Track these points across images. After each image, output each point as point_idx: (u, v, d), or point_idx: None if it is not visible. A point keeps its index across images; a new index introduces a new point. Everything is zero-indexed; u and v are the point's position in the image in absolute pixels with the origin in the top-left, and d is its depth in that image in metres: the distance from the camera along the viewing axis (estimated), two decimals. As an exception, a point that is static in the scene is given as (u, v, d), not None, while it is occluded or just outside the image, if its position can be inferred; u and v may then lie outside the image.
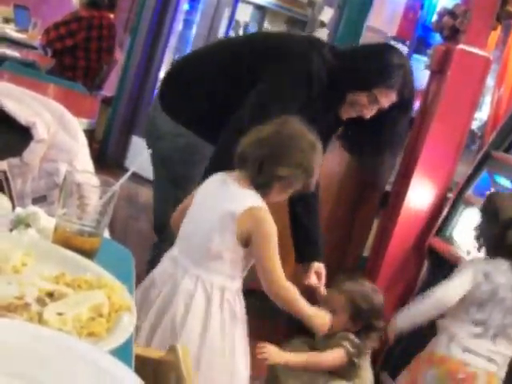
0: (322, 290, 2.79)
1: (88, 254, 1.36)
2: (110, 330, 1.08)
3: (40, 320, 1.04)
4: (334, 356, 2.69)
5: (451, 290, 2.89)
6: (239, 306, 2.36)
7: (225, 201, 2.27)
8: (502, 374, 2.84)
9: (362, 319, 2.74)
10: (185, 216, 2.39)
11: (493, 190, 3.56)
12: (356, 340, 2.71)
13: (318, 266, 2.83)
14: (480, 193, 3.61)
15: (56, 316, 1.05)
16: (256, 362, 2.49)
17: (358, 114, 2.79)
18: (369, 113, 2.77)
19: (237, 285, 2.35)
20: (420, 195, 3.83)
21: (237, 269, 2.32)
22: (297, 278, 2.83)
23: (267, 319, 2.65)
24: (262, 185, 2.27)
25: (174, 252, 2.38)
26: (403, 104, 2.83)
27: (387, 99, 2.75)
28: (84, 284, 1.19)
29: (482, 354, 2.78)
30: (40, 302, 1.11)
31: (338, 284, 2.80)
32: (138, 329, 2.23)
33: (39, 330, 0.97)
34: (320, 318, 2.40)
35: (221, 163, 2.49)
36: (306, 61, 2.74)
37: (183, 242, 2.37)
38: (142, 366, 1.23)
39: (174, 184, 2.95)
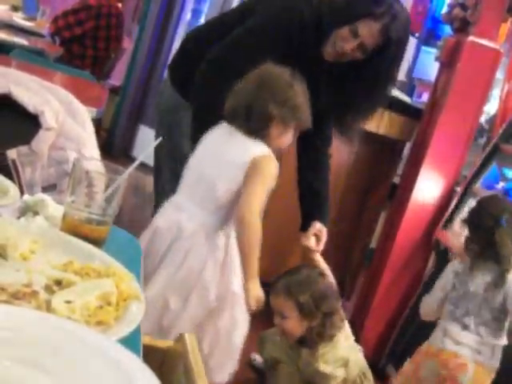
0: (317, 256, 2.78)
1: (96, 242, 1.35)
2: (118, 319, 1.07)
3: (48, 308, 1.04)
4: None
5: (428, 299, 3.09)
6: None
7: (231, 151, 2.32)
8: (495, 363, 2.90)
9: (311, 312, 2.70)
10: (188, 166, 2.43)
11: (501, 183, 3.55)
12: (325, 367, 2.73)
13: (320, 229, 2.78)
14: (488, 186, 3.60)
15: (64, 304, 1.04)
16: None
17: (340, 50, 2.65)
18: (348, 47, 2.62)
19: None
20: (428, 188, 3.82)
21: None
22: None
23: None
24: (257, 129, 2.31)
25: (177, 199, 2.41)
26: (387, 46, 2.65)
27: (369, 32, 2.60)
28: (92, 272, 1.18)
29: (471, 346, 2.88)
30: (48, 289, 1.10)
31: (276, 286, 2.77)
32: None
33: (48, 317, 0.96)
34: (257, 288, 2.31)
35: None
36: (292, 1, 2.72)
37: (187, 189, 2.40)
38: (150, 355, 1.23)
39: (174, 159, 2.93)
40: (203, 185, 2.34)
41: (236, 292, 2.38)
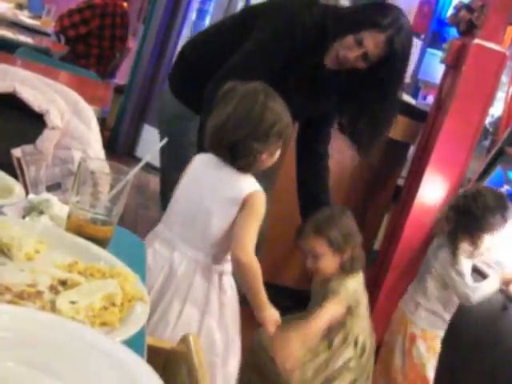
0: None
1: (101, 242, 1.35)
2: (123, 320, 1.07)
3: (53, 308, 1.03)
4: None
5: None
6: (233, 288, 2.37)
7: (224, 187, 2.27)
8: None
9: (341, 246, 2.74)
10: (174, 196, 2.37)
11: (506, 186, 3.55)
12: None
13: None
14: (493, 189, 3.59)
15: (69, 305, 1.04)
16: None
17: (343, 58, 2.67)
18: (352, 56, 2.64)
19: (231, 267, 2.35)
20: (432, 190, 3.81)
21: None
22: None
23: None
24: (245, 166, 2.27)
25: (166, 234, 2.34)
26: (391, 58, 2.68)
27: (374, 42, 2.62)
28: (97, 273, 1.18)
29: (424, 318, 3.19)
30: (53, 290, 1.10)
31: (305, 229, 2.81)
32: None
33: (52, 318, 0.96)
34: (274, 313, 2.32)
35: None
36: (292, 13, 2.70)
37: (178, 226, 2.33)
38: (153, 356, 1.23)
39: (178, 168, 2.94)
40: (195, 223, 2.29)
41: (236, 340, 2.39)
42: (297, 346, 2.48)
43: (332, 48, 2.69)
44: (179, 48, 3.20)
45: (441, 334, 3.19)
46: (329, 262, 2.75)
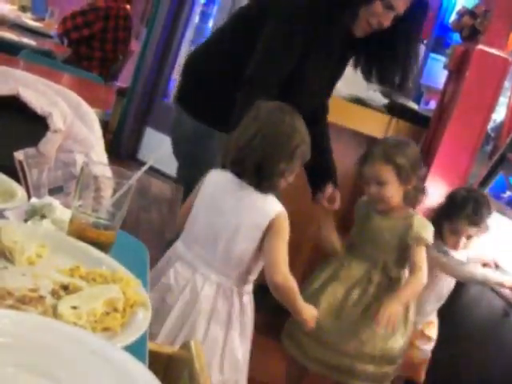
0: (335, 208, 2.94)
1: (103, 247, 1.35)
2: (125, 326, 1.07)
3: (54, 313, 1.03)
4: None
5: None
6: (252, 308, 2.39)
7: (248, 211, 2.26)
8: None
9: (408, 175, 2.77)
10: (191, 215, 2.36)
11: (508, 192, 3.54)
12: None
13: (332, 191, 2.93)
14: (495, 195, 3.59)
15: (70, 310, 1.04)
16: (271, 366, 2.51)
17: (375, 25, 2.69)
18: (386, 21, 2.66)
19: (251, 287, 2.38)
20: (434, 196, 3.80)
21: (254, 273, 2.34)
22: (310, 267, 2.86)
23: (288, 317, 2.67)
24: (269, 187, 2.27)
25: (186, 255, 2.34)
26: (417, 12, 2.74)
27: (403, 2, 2.64)
28: (99, 277, 1.18)
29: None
30: (54, 294, 1.10)
31: (373, 154, 2.83)
32: (152, 336, 2.23)
33: (53, 323, 0.96)
34: (310, 310, 2.39)
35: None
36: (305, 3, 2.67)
37: (198, 248, 2.32)
38: (155, 361, 1.22)
39: None
40: (217, 246, 2.28)
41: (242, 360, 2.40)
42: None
43: (359, 17, 2.67)
44: (182, 61, 3.12)
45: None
46: (394, 190, 2.77)
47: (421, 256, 2.77)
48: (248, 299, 2.36)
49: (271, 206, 2.26)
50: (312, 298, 2.77)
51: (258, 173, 2.23)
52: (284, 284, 2.24)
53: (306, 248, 3.18)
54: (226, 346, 2.30)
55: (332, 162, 3.05)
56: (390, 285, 2.83)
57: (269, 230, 2.23)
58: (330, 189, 2.93)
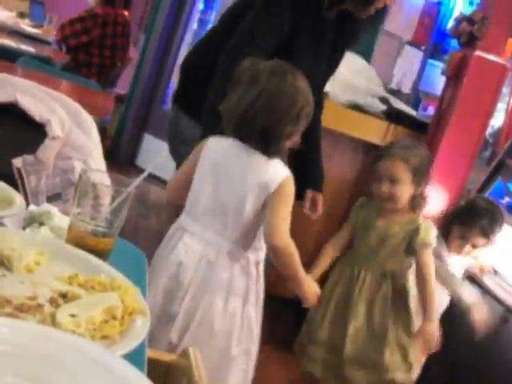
0: (314, 218, 2.93)
1: (101, 254, 1.34)
2: (124, 334, 1.06)
3: (53, 322, 1.03)
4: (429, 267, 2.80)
5: None
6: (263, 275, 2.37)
7: (256, 175, 2.21)
8: None
9: (421, 177, 2.80)
10: (194, 186, 2.31)
11: (506, 198, 3.54)
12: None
13: (313, 196, 2.92)
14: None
15: (69, 318, 1.03)
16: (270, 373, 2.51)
17: (380, 6, 2.79)
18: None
19: (263, 255, 2.34)
20: (433, 202, 3.80)
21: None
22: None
23: (289, 324, 2.68)
24: (275, 151, 2.23)
25: (193, 227, 2.29)
26: None
27: None
28: (97, 285, 1.17)
29: None
30: (53, 302, 1.09)
31: (391, 151, 2.85)
32: (170, 316, 2.24)
33: (52, 331, 0.95)
34: (312, 286, 2.37)
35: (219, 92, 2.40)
36: None
37: (206, 217, 2.27)
38: (153, 368, 1.22)
39: None
40: (227, 213, 2.24)
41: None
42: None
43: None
44: (180, 64, 3.12)
45: None
46: (405, 191, 2.78)
47: (430, 260, 2.79)
48: (262, 267, 2.33)
49: (279, 171, 2.22)
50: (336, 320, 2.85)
51: (263, 137, 2.18)
52: (284, 248, 2.19)
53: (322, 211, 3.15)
54: (243, 317, 2.29)
55: (318, 166, 3.03)
56: (399, 297, 2.84)
57: (274, 194, 2.19)
58: (309, 194, 2.93)
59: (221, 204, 2.25)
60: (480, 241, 3.14)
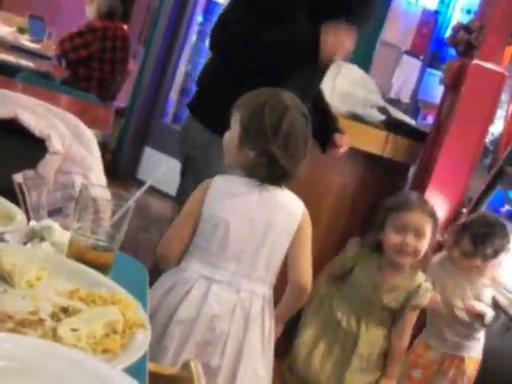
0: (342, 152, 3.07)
1: (102, 268, 1.35)
2: (125, 347, 1.07)
3: (54, 336, 1.04)
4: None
5: None
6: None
7: (276, 212, 2.18)
8: None
9: (436, 234, 2.73)
10: (204, 229, 2.18)
11: (506, 206, 3.55)
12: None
13: (340, 137, 3.06)
14: (494, 209, 3.59)
15: (70, 332, 1.04)
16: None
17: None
18: None
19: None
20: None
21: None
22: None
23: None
24: (282, 177, 2.19)
25: (221, 276, 2.18)
26: None
27: None
28: (98, 299, 1.18)
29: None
30: (54, 317, 1.10)
31: (411, 202, 2.75)
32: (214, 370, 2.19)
33: (53, 346, 0.96)
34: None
35: None
36: None
37: (235, 262, 2.18)
38: (154, 382, 1.22)
39: None
40: (259, 256, 2.18)
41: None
42: None
43: None
44: (180, 80, 3.22)
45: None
46: (425, 247, 2.68)
47: (412, 321, 2.75)
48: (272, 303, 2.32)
49: (295, 204, 2.22)
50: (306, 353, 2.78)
51: (267, 170, 2.16)
52: (308, 289, 2.22)
53: (320, 225, 3.14)
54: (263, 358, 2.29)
55: (330, 116, 3.20)
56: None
57: (298, 233, 2.19)
58: (337, 137, 3.07)
59: (250, 247, 2.18)
60: (481, 264, 3.04)
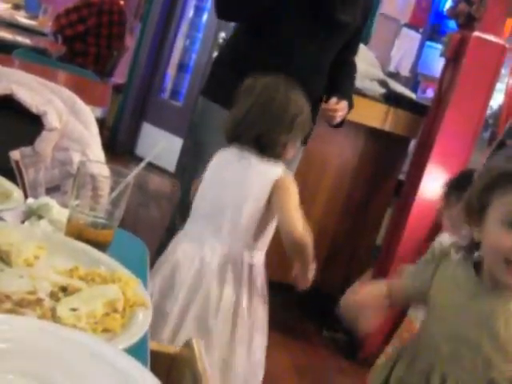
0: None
1: (101, 246, 1.33)
2: (125, 327, 1.05)
3: (53, 316, 1.01)
4: None
5: None
6: (263, 280, 2.39)
7: (252, 176, 2.29)
8: None
9: None
10: (198, 192, 2.40)
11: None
12: None
13: (338, 101, 2.98)
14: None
15: (70, 312, 1.02)
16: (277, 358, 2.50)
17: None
18: None
19: (262, 258, 2.37)
20: (434, 184, 3.79)
21: (262, 240, 2.35)
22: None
23: (293, 311, 2.66)
24: (272, 157, 2.31)
25: (193, 231, 2.38)
26: None
27: None
28: (98, 278, 1.16)
29: None
30: (53, 296, 1.08)
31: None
32: (164, 316, 2.26)
33: (52, 327, 0.94)
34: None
35: None
36: None
37: (204, 221, 2.36)
38: (157, 361, 1.21)
39: None
40: (224, 215, 2.31)
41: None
42: None
43: None
44: (177, 55, 3.22)
45: None
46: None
47: None
48: (258, 271, 2.36)
49: (273, 169, 2.30)
50: None
51: (258, 143, 2.29)
52: (301, 240, 2.21)
53: (321, 199, 3.13)
54: (238, 307, 2.31)
55: (350, 81, 3.19)
56: None
57: (275, 190, 2.26)
58: (334, 99, 2.98)
59: (219, 206, 2.33)
60: None
